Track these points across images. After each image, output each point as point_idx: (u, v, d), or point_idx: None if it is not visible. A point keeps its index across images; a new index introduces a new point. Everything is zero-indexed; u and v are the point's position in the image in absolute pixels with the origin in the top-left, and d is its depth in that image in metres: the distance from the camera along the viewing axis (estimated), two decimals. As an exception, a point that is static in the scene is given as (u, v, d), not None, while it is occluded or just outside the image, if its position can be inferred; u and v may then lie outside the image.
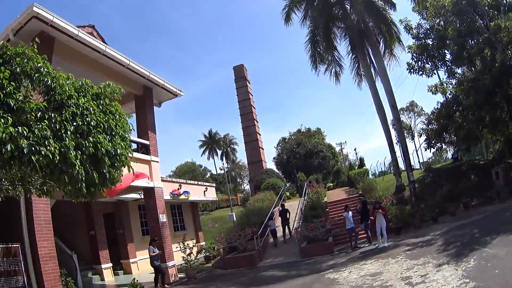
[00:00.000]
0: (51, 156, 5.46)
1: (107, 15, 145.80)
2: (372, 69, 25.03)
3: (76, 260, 15.64)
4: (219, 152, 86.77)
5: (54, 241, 10.56)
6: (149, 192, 17.06)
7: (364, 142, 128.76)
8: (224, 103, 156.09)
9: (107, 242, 18.86)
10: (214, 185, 35.75)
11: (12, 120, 5.31)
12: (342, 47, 26.39)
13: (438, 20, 24.43)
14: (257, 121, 66.96)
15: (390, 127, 26.82)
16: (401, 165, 29.18)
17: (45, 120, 5.66)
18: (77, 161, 5.95)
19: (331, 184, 46.16)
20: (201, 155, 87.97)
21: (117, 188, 8.90)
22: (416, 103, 63.92)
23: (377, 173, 39.08)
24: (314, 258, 16.68)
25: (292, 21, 25.48)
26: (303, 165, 55.44)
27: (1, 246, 7.91)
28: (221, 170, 57.01)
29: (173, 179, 27.62)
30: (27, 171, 5.75)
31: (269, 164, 65.35)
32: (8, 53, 5.89)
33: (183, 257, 17.23)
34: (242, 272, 16.74)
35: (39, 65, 5.96)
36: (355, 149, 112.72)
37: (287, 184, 48.99)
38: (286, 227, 21.84)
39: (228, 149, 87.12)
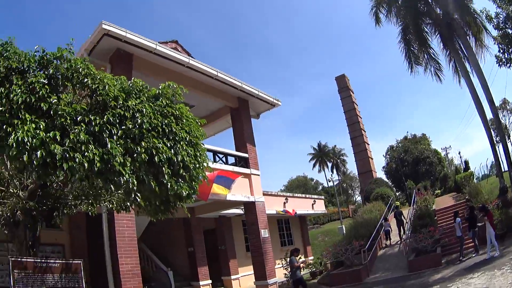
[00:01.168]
0: (86, 163, 4.82)
1: (202, 38, 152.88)
2: (466, 64, 22.76)
3: (171, 277, 15.50)
4: (329, 165, 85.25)
5: (138, 258, 10.29)
6: (249, 206, 16.49)
7: (466, 145, 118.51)
8: (329, 114, 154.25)
9: (208, 259, 18.62)
10: (322, 197, 34.26)
11: (44, 124, 4.82)
12: (434, 43, 24.33)
13: (511, 8, 21.54)
14: (365, 131, 64.88)
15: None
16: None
17: (82, 124, 5.07)
18: (126, 168, 5.26)
19: (439, 191, 44.26)
20: (312, 169, 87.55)
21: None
22: (508, 100, 57.51)
23: (481, 176, 35.52)
24: (421, 271, 15.29)
25: (381, 22, 24.30)
26: (411, 173, 54.46)
27: (60, 261, 7.65)
28: (329, 181, 56.06)
29: (278, 193, 26.83)
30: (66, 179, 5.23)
31: (379, 173, 63.23)
32: (45, 58, 5.50)
33: (285, 274, 16.24)
34: (345, 289, 15.62)
35: (77, 66, 5.47)
36: (459, 153, 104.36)
37: (397, 193, 47.23)
38: (401, 227, 22.00)
39: (338, 160, 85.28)
